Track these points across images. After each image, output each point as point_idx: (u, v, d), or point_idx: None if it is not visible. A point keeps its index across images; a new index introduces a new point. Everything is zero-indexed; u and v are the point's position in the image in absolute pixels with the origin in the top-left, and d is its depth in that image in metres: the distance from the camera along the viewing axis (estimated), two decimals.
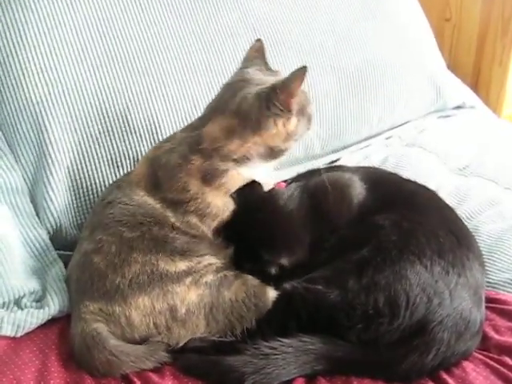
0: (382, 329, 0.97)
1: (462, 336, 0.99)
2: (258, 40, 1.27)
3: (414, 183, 1.23)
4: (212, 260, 1.10)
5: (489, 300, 1.13)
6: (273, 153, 1.14)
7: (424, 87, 1.87)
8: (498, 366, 0.98)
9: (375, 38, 1.77)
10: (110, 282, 1.04)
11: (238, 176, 1.14)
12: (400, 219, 1.09)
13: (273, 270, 1.10)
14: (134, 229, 1.08)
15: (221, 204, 1.13)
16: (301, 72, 1.08)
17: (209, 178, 1.12)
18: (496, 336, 1.05)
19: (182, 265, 1.07)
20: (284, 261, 1.11)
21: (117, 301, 1.04)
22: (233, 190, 1.14)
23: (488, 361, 1.00)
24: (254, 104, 1.11)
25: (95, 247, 1.08)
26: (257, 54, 1.24)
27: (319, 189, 1.17)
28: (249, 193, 1.15)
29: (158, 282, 1.04)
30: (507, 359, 1.00)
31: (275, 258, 1.11)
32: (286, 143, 1.15)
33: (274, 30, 1.60)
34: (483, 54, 2.34)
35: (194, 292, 1.05)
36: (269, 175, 1.22)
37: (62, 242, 1.31)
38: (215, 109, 1.17)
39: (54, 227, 1.29)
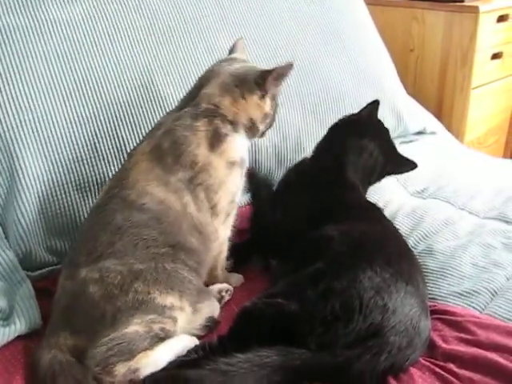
0: (339, 332, 1.00)
1: (412, 341, 1.02)
2: (240, 38, 1.41)
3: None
4: (180, 316, 1.10)
5: (439, 312, 1.19)
6: (252, 127, 1.24)
7: (385, 114, 1.92)
8: (443, 373, 1.03)
9: (335, 70, 1.86)
10: (101, 313, 1.02)
11: (234, 144, 1.21)
12: (348, 229, 1.17)
13: None
14: (146, 261, 1.07)
15: (222, 175, 1.19)
16: (289, 65, 1.22)
17: (214, 142, 1.18)
18: (443, 345, 1.09)
19: (168, 300, 1.07)
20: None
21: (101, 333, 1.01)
22: (232, 159, 1.20)
23: (434, 367, 1.04)
24: (251, 71, 1.24)
25: (96, 277, 1.04)
26: (240, 50, 1.37)
27: None
28: None
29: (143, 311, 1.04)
30: (452, 366, 1.04)
31: None
32: (262, 123, 1.27)
33: None
34: (445, 83, 2.44)
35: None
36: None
37: (31, 264, 1.34)
38: (209, 77, 1.25)
39: (24, 250, 1.32)
